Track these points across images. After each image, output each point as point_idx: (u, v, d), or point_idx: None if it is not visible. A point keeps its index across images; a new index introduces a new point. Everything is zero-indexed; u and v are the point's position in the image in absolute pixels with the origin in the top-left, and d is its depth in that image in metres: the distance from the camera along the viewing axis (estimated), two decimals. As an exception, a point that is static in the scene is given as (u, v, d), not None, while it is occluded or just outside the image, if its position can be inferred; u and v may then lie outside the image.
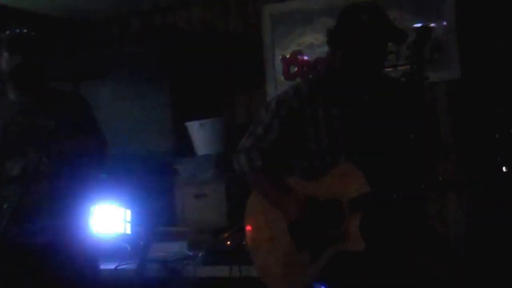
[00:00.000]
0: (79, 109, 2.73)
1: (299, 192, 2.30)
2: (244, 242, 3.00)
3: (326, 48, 3.83)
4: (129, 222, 3.60)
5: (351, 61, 2.22)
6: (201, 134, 3.85)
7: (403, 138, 2.13)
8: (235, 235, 3.24)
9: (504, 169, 2.03)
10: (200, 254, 3.20)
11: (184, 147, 3.93)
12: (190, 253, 3.30)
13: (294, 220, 2.28)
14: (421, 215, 2.35)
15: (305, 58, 4.03)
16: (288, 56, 4.07)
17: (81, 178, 2.69)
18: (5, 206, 2.48)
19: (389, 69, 2.66)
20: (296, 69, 4.06)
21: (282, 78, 4.08)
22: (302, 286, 2.29)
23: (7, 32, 2.67)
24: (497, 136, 2.62)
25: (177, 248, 3.35)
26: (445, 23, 3.65)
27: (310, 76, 3.76)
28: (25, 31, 2.68)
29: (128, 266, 3.13)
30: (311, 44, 4.02)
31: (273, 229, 2.37)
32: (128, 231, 3.57)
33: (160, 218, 3.58)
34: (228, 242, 3.18)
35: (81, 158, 2.67)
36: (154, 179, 3.79)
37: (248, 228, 2.49)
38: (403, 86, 2.17)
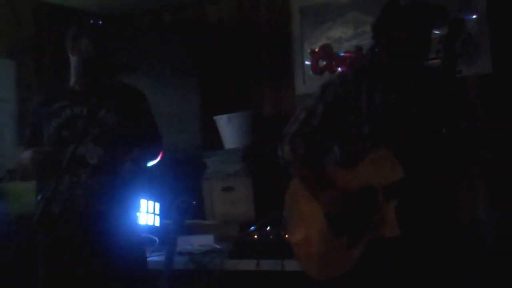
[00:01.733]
0: (140, 106, 2.79)
1: (337, 180, 2.32)
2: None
3: (355, 42, 3.93)
4: (157, 214, 3.65)
5: (395, 48, 2.20)
6: (229, 128, 3.87)
7: (438, 129, 2.13)
8: (262, 228, 3.26)
9: None
10: (227, 247, 3.22)
11: (212, 140, 3.95)
12: (217, 246, 3.32)
13: (331, 209, 2.31)
14: (453, 204, 2.34)
15: (334, 52, 4.01)
16: (317, 50, 4.05)
17: (135, 172, 2.72)
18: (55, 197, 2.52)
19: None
20: (324, 63, 4.04)
21: (311, 72, 4.07)
22: (340, 273, 2.30)
23: (91, 20, 2.75)
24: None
25: (204, 241, 3.37)
26: (476, 15, 3.60)
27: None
28: (101, 22, 2.76)
29: (156, 258, 3.16)
30: (340, 38, 4.00)
31: (311, 217, 2.39)
32: (157, 224, 3.62)
33: (188, 211, 3.60)
34: (255, 236, 3.19)
35: (137, 154, 2.71)
36: (182, 172, 3.82)
37: (287, 217, 2.53)
38: (443, 77, 2.17)
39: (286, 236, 2.56)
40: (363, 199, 2.24)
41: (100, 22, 2.73)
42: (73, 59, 2.72)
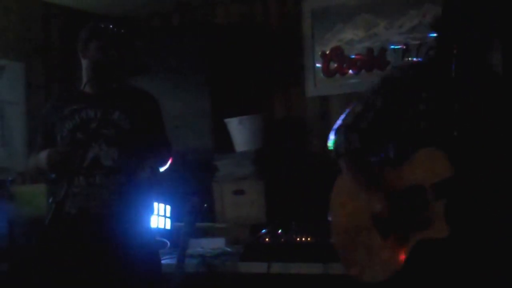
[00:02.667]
0: (152, 111, 2.79)
1: (385, 178, 2.26)
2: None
3: (366, 44, 3.92)
4: (169, 217, 3.64)
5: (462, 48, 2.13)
6: (240, 131, 3.86)
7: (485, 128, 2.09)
8: (273, 231, 3.24)
9: None
10: (238, 250, 3.20)
11: (223, 143, 3.94)
12: (229, 249, 3.31)
13: (377, 209, 2.24)
14: (503, 204, 2.25)
15: (345, 54, 3.99)
16: (327, 52, 4.04)
17: (147, 175, 2.71)
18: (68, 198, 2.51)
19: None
20: (335, 65, 4.02)
21: (322, 74, 4.06)
22: (387, 276, 2.23)
23: (101, 23, 2.74)
24: None
25: (215, 244, 3.36)
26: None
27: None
28: (112, 25, 2.74)
29: (167, 261, 3.15)
30: (351, 40, 3.99)
31: (357, 218, 2.33)
32: (168, 227, 3.61)
33: (199, 214, 3.59)
34: (267, 239, 3.18)
35: (149, 157, 2.70)
36: (193, 175, 3.82)
37: (332, 217, 2.47)
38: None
39: (331, 238, 2.47)
40: (411, 198, 2.18)
41: (111, 26, 2.73)
42: (84, 62, 2.73)
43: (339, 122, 2.39)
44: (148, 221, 2.81)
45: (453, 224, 2.08)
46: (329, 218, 2.47)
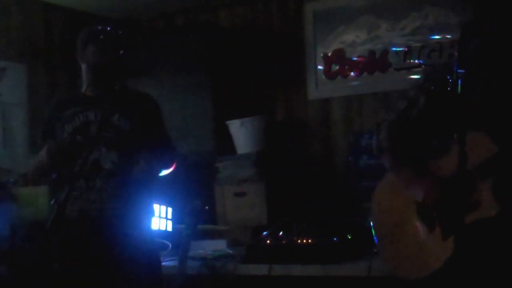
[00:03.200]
0: (153, 114, 2.79)
1: (431, 170, 2.24)
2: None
3: (368, 46, 3.91)
4: (170, 219, 3.64)
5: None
6: (241, 133, 3.86)
7: None
8: (275, 233, 3.24)
9: None
10: (240, 252, 3.20)
11: (225, 145, 3.94)
12: (230, 251, 3.31)
13: (429, 197, 2.22)
14: None
15: (347, 56, 3.99)
16: (329, 54, 4.04)
17: (148, 174, 2.71)
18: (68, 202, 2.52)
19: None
20: (337, 67, 4.02)
21: (323, 76, 4.06)
22: (436, 267, 2.19)
23: (98, 26, 2.74)
24: None
25: (217, 246, 3.36)
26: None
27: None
28: (109, 28, 2.74)
29: (169, 263, 3.15)
30: (353, 42, 3.99)
31: (402, 212, 2.32)
32: (169, 229, 3.61)
33: (201, 216, 3.59)
34: (268, 241, 3.17)
35: (151, 158, 2.69)
36: (195, 177, 3.81)
37: (376, 213, 2.44)
38: None
39: (374, 236, 2.43)
40: (459, 183, 2.09)
41: (108, 28, 2.72)
42: (82, 66, 2.73)
43: (380, 119, 2.39)
44: (149, 224, 2.81)
45: (502, 200, 2.05)
46: (371, 216, 2.44)
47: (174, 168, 2.85)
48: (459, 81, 2.06)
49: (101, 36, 2.69)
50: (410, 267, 2.30)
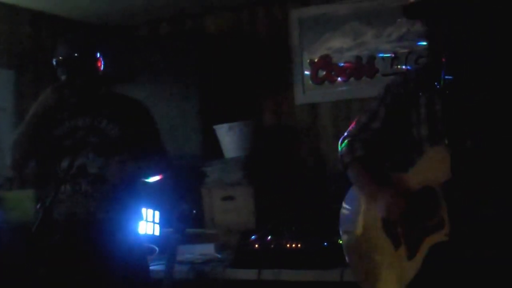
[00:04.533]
0: (142, 119, 2.78)
1: (393, 183, 2.23)
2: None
3: (354, 52, 3.94)
4: (158, 223, 3.63)
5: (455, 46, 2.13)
6: (229, 137, 3.87)
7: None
8: (263, 237, 3.24)
9: None
10: (228, 257, 3.19)
11: (213, 150, 3.95)
12: (218, 255, 3.30)
13: (387, 215, 2.20)
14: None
15: (334, 62, 4.02)
16: (316, 60, 4.06)
17: (136, 183, 2.74)
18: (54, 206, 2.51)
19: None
20: (324, 73, 4.04)
21: (310, 82, 4.08)
22: (404, 285, 2.17)
23: (71, 35, 2.80)
24: None
25: (205, 250, 3.36)
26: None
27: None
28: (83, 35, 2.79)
29: (156, 267, 3.13)
30: (340, 48, 4.01)
31: (368, 227, 2.30)
32: (157, 233, 3.60)
33: (189, 220, 3.59)
34: (256, 245, 3.17)
35: (139, 168, 2.71)
36: (182, 181, 3.81)
37: (343, 227, 2.43)
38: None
39: (345, 253, 2.42)
40: (421, 199, 2.13)
41: (81, 34, 2.74)
42: (59, 72, 2.72)
43: (345, 133, 2.40)
44: (136, 228, 2.80)
45: (454, 223, 2.03)
46: (340, 232, 2.43)
47: (164, 173, 2.85)
48: (445, 87, 2.10)
49: (75, 42, 2.70)
50: (377, 283, 2.27)
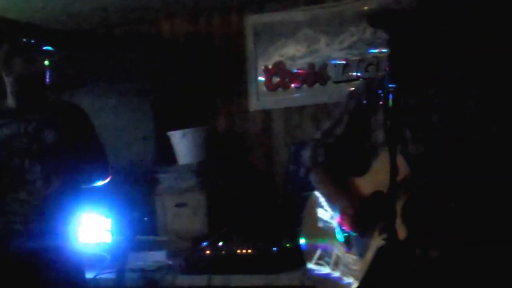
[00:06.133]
0: (81, 124, 2.77)
1: (352, 189, 2.29)
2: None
3: (308, 60, 3.98)
4: (109, 231, 3.60)
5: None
6: (182, 144, 3.87)
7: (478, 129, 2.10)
8: (214, 244, 3.25)
9: None
10: (179, 263, 3.20)
11: (166, 156, 3.94)
12: (170, 262, 3.30)
13: (341, 218, 2.26)
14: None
15: (287, 69, 4.06)
16: (270, 67, 4.10)
17: (75, 187, 2.72)
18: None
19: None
20: (278, 79, 4.08)
21: (264, 88, 4.11)
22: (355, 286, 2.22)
23: (22, 39, 2.71)
24: None
25: (156, 257, 3.35)
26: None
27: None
28: (33, 40, 2.72)
29: (107, 275, 3.12)
30: (293, 55, 4.05)
31: (327, 229, 2.36)
32: (108, 240, 3.57)
33: (140, 227, 3.58)
34: (208, 251, 3.19)
35: (78, 171, 2.69)
36: (135, 188, 3.80)
37: (304, 229, 2.48)
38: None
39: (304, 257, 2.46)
40: (372, 204, 2.19)
41: (33, 40, 2.72)
42: (6, 79, 2.70)
43: (309, 140, 2.46)
44: (74, 236, 2.76)
45: (410, 224, 2.07)
46: (302, 234, 2.48)
47: (104, 177, 2.84)
48: (390, 96, 2.15)
49: (27, 49, 2.67)
50: (331, 285, 2.33)
